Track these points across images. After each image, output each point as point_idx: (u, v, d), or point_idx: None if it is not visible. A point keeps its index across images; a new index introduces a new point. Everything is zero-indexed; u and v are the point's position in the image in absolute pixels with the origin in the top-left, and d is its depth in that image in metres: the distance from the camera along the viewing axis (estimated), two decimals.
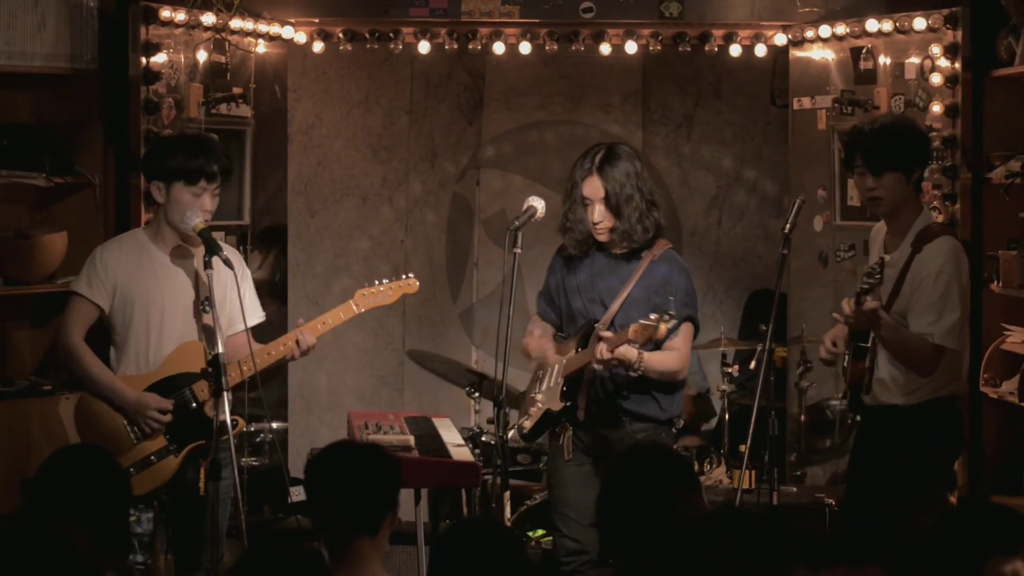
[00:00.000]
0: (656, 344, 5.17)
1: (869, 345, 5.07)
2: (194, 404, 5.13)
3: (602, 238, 5.34)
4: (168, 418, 5.09)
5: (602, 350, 5.10)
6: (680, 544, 3.28)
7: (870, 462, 5.18)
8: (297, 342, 5.24)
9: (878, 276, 4.84)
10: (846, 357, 5.16)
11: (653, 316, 4.93)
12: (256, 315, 5.36)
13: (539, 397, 5.43)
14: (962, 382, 5.34)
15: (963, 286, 5.08)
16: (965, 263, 5.13)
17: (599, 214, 5.28)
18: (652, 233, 5.32)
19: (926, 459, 5.09)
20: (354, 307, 5.37)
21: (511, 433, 5.27)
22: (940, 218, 6.30)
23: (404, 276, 5.47)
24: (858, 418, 5.37)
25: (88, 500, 3.65)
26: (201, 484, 5.05)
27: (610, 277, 5.36)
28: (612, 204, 5.26)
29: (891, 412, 5.10)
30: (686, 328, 5.31)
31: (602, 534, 3.70)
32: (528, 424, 5.42)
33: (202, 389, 5.11)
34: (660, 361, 5.23)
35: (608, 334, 5.14)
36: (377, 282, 5.41)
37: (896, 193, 5.09)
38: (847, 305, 4.94)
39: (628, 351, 5.10)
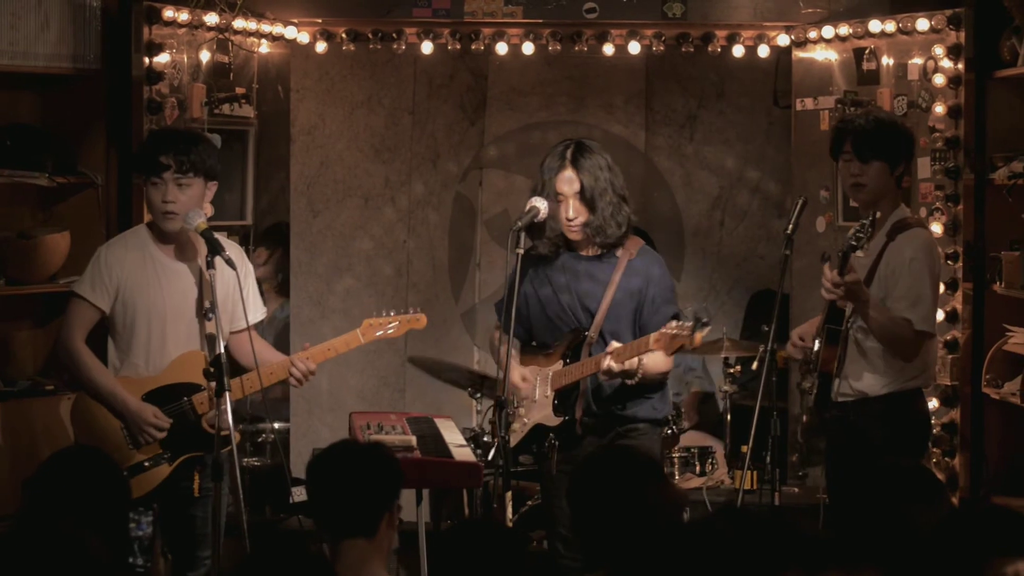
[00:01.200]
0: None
1: (843, 329, 5.16)
2: (193, 416, 5.13)
3: (574, 236, 5.19)
4: (163, 435, 5.09)
5: (610, 363, 4.99)
6: (661, 538, 3.27)
7: (846, 459, 5.23)
8: (294, 370, 5.22)
9: (869, 230, 4.93)
10: (816, 345, 5.21)
11: (680, 324, 4.78)
12: (259, 311, 5.36)
13: (522, 411, 5.32)
14: (931, 374, 5.46)
15: (935, 277, 5.25)
16: (938, 256, 5.35)
17: (574, 209, 5.14)
18: (624, 228, 5.19)
19: (897, 451, 5.16)
20: (360, 337, 5.35)
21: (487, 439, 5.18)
22: (943, 219, 6.34)
23: (413, 310, 5.44)
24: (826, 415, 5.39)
25: (88, 501, 3.64)
26: (195, 485, 5.06)
27: (588, 281, 5.22)
28: (587, 197, 5.12)
29: (860, 405, 5.19)
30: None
31: (582, 544, 3.66)
32: (512, 440, 5.25)
33: (201, 401, 5.11)
34: (655, 364, 5.10)
35: (617, 345, 5.02)
36: (385, 312, 5.40)
37: (879, 182, 5.22)
38: (829, 272, 5.00)
39: (631, 365, 4.99)
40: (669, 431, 6.80)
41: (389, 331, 5.38)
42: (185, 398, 5.13)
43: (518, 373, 5.32)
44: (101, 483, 3.69)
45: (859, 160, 5.22)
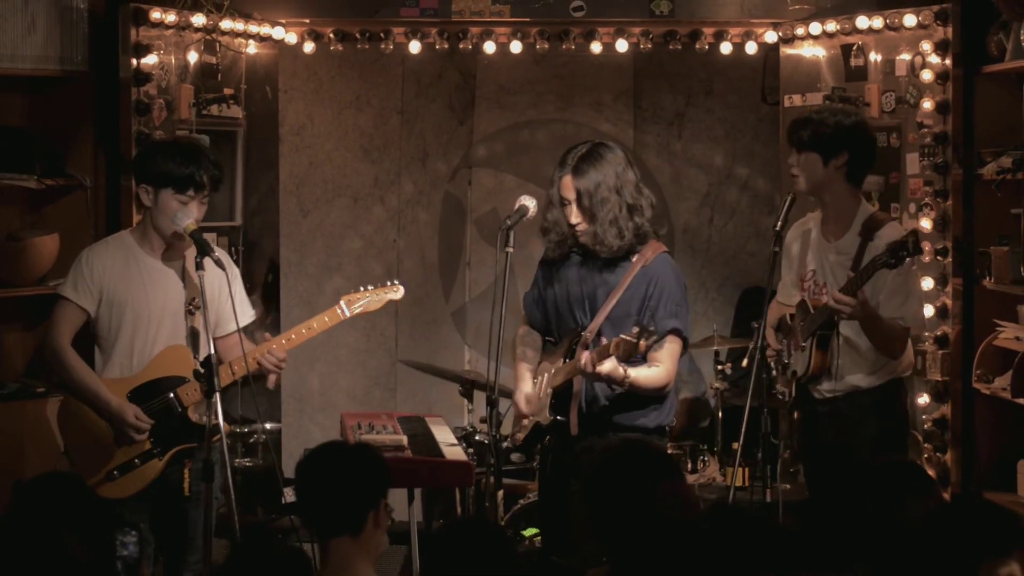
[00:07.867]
0: (642, 356, 4.99)
1: (833, 333, 5.16)
2: (179, 409, 5.13)
3: (582, 240, 5.12)
4: (143, 437, 5.09)
5: (586, 364, 4.91)
6: (671, 537, 3.27)
7: (829, 456, 5.23)
8: (263, 360, 5.21)
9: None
10: (807, 347, 5.21)
11: (635, 330, 4.70)
12: (247, 314, 5.36)
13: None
14: (911, 362, 5.46)
15: (917, 272, 5.35)
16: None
17: (575, 215, 5.08)
18: (627, 240, 5.06)
19: (888, 440, 5.21)
20: (345, 311, 5.35)
21: (505, 444, 5.18)
22: (932, 214, 6.35)
23: (390, 282, 5.44)
24: (796, 415, 5.41)
25: (68, 529, 3.58)
26: (185, 484, 5.06)
27: (599, 282, 5.15)
28: (584, 206, 5.04)
29: (851, 398, 5.21)
30: (672, 341, 5.06)
31: (593, 534, 3.66)
32: (521, 436, 5.28)
33: (187, 393, 5.11)
34: (646, 378, 5.00)
35: (588, 352, 4.95)
36: (363, 288, 5.39)
37: (810, 173, 5.21)
38: (843, 296, 4.98)
39: (614, 369, 4.88)
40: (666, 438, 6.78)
41: (370, 305, 5.38)
42: (171, 393, 5.13)
43: (525, 391, 5.29)
44: (80, 512, 3.65)
45: (794, 149, 5.25)
